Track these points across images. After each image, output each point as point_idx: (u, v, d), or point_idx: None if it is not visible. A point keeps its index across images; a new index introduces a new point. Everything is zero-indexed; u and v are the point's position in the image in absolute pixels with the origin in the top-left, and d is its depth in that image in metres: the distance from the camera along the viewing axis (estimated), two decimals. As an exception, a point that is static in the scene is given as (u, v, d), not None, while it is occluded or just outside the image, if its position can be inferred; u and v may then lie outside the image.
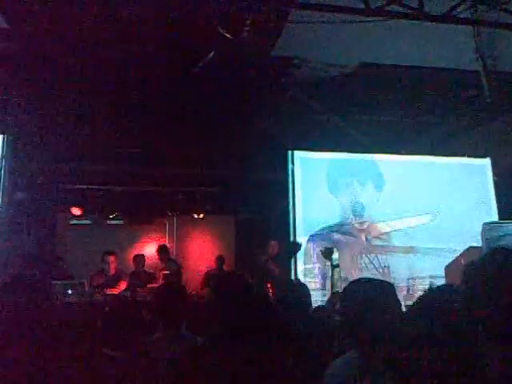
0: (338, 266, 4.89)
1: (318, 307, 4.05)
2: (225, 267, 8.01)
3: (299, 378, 1.58)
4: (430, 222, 7.36)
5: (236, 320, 1.74)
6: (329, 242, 7.06)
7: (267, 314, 1.82)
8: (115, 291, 6.11)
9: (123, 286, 6.25)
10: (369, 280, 1.98)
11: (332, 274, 4.86)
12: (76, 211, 8.37)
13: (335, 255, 4.95)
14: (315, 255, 6.94)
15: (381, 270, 7.17)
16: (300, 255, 6.85)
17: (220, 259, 8.04)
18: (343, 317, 1.83)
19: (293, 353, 1.73)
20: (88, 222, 8.80)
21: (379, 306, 1.70)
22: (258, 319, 1.73)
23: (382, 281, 1.98)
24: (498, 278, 1.35)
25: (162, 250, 7.84)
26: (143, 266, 7.40)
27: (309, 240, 7.04)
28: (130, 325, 2.39)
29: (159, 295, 2.67)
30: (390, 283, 1.91)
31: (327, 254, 5.03)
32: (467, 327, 1.72)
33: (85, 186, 8.15)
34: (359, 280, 1.96)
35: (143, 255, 7.63)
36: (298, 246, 6.64)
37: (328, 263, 5.05)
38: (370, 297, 1.74)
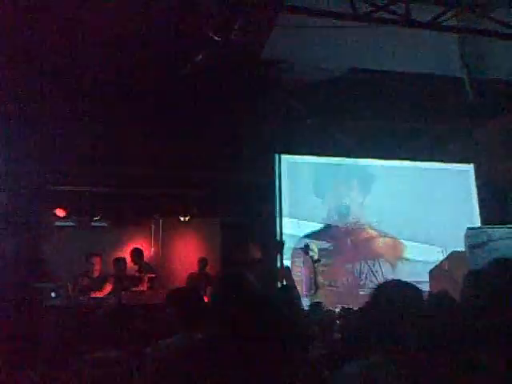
0: (318, 260, 4.92)
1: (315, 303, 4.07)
2: (208, 270, 7.94)
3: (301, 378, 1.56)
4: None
5: (238, 320, 1.71)
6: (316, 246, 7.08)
7: (271, 314, 1.79)
8: (100, 294, 6.03)
9: (108, 288, 6.17)
10: (401, 283, 1.86)
11: (314, 269, 4.88)
12: (60, 213, 8.26)
13: (314, 249, 4.99)
14: (301, 260, 6.96)
15: (365, 274, 7.21)
16: (286, 260, 6.85)
17: (202, 261, 7.94)
18: (371, 320, 1.74)
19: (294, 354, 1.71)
20: (72, 223, 8.68)
21: (412, 311, 1.62)
22: (261, 319, 1.71)
23: (411, 284, 1.86)
24: (501, 288, 1.33)
25: (135, 253, 7.68)
26: (124, 268, 7.30)
27: (295, 246, 7.05)
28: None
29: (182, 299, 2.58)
30: (418, 288, 1.81)
31: (306, 250, 5.08)
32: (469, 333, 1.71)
33: (69, 188, 8.05)
34: (390, 283, 1.86)
35: (124, 258, 7.53)
36: (280, 245, 6.56)
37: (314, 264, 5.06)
38: (404, 301, 1.65)
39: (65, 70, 5.34)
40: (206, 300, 2.65)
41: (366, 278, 7.19)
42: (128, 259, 7.65)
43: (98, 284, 6.19)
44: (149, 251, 8.98)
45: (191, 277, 7.72)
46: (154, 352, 2.15)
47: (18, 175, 7.27)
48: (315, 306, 4.32)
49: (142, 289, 6.76)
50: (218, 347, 1.67)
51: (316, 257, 4.92)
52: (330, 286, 6.91)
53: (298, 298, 3.59)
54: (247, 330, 1.64)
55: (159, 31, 4.47)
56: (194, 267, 8.10)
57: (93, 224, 8.74)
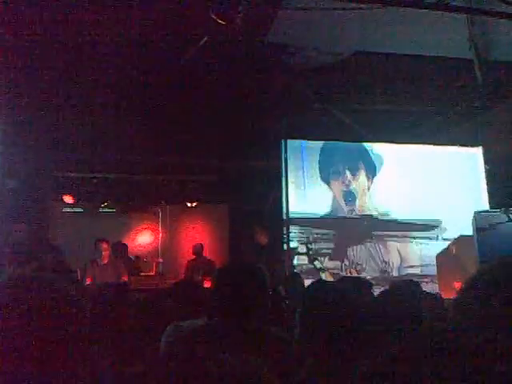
0: (322, 270, 4.91)
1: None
2: (204, 254, 7.91)
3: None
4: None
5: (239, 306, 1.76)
6: (321, 229, 7.10)
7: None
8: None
9: (125, 277, 6.08)
10: None
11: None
12: (68, 199, 8.33)
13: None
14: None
15: (372, 259, 7.22)
16: (293, 244, 6.89)
17: (197, 247, 7.90)
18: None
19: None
20: (80, 210, 8.77)
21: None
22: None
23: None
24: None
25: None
26: (126, 253, 7.35)
27: (302, 228, 7.07)
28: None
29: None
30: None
31: (293, 281, 4.77)
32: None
33: (77, 174, 8.10)
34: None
35: (125, 244, 7.60)
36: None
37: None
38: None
39: (73, 54, 5.33)
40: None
41: (367, 262, 7.21)
42: (147, 244, 7.65)
43: (111, 272, 6.08)
44: (157, 237, 9.06)
45: (190, 264, 7.69)
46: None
47: (27, 162, 7.33)
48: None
49: (150, 273, 6.83)
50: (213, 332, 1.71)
51: (319, 265, 4.93)
52: (333, 270, 6.94)
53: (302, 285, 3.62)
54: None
55: (161, 15, 4.45)
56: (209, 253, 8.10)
57: (101, 210, 8.82)
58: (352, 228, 7.31)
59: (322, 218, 7.18)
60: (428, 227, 7.35)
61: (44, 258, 6.50)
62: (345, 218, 7.31)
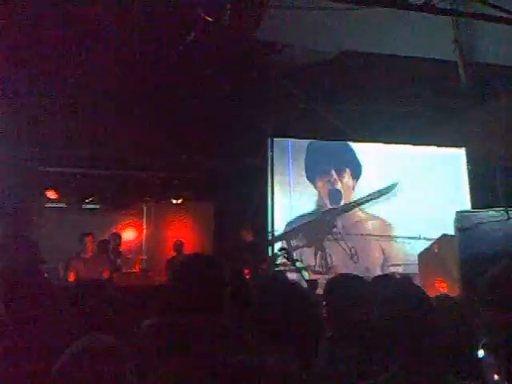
0: (297, 260, 5.08)
1: None
2: (185, 251, 7.87)
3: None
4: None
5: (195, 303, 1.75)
6: (305, 229, 7.15)
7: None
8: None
9: (106, 273, 6.02)
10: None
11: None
12: (51, 194, 8.22)
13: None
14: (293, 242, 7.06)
15: (355, 258, 7.28)
16: (277, 243, 6.92)
17: (177, 245, 7.85)
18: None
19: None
20: (63, 205, 8.65)
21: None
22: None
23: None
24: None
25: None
26: (112, 249, 7.28)
27: (286, 227, 7.11)
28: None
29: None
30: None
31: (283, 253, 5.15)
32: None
33: (61, 169, 8.00)
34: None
35: (109, 240, 7.52)
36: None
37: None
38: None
39: (58, 49, 5.26)
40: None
41: (359, 259, 7.27)
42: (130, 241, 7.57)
43: (94, 267, 6.01)
44: (141, 233, 9.01)
45: (170, 262, 7.62)
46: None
47: (10, 157, 7.22)
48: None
49: (133, 270, 6.78)
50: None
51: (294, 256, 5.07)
52: (323, 269, 7.00)
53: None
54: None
55: (150, 11, 4.41)
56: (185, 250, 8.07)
57: (84, 206, 8.72)
58: (336, 227, 7.36)
59: (307, 216, 7.22)
60: (410, 225, 7.43)
61: (17, 251, 6.41)
62: (330, 216, 7.35)
